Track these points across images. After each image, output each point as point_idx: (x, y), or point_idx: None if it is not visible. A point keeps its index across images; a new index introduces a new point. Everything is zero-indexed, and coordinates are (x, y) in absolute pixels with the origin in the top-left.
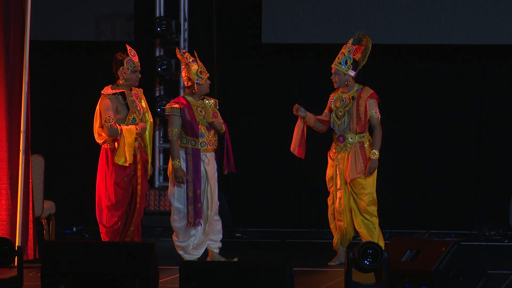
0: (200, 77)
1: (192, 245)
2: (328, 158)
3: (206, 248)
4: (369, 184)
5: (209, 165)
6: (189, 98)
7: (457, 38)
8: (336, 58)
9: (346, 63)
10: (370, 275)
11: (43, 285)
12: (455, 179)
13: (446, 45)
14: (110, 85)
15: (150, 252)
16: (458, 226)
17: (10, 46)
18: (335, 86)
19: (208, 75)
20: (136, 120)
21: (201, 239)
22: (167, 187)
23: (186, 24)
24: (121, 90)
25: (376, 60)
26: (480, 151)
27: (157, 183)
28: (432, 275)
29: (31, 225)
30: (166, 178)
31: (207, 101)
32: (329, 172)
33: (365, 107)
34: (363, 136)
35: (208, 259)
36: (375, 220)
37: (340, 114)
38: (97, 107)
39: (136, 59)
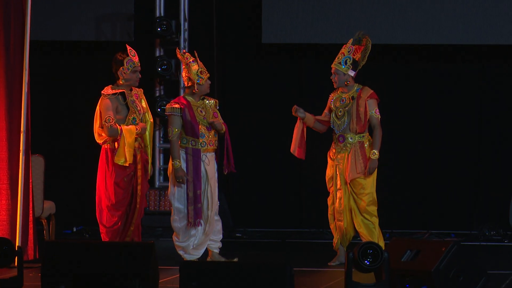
0: (200, 77)
1: (192, 245)
2: (328, 158)
3: (206, 248)
4: (369, 184)
5: (209, 165)
6: (189, 98)
7: (457, 38)
8: (336, 58)
9: (345, 63)
10: (370, 275)
11: (43, 285)
12: (455, 179)
13: (446, 45)
14: (110, 85)
15: (150, 252)
16: (458, 226)
17: (10, 46)
18: (334, 86)
19: (208, 75)
20: (136, 120)
21: (201, 239)
22: (167, 187)
23: (186, 24)
24: (121, 90)
25: (376, 60)
26: (480, 151)
27: (157, 183)
28: (432, 275)
29: (31, 225)
30: (166, 178)
31: (207, 101)
32: (329, 172)
33: (365, 107)
34: (363, 136)
35: (208, 259)
36: (375, 220)
37: (339, 114)
38: (97, 107)
39: (136, 59)
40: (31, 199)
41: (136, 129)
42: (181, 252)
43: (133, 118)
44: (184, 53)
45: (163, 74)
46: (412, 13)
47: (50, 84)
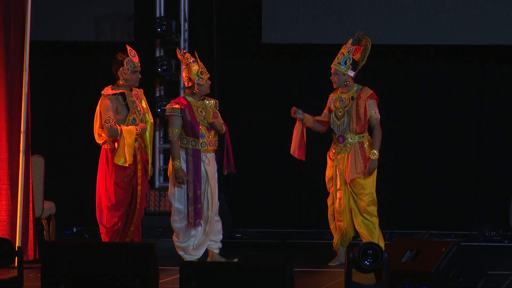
0: (200, 77)
1: (192, 246)
2: (328, 159)
3: (206, 248)
4: (369, 184)
5: (209, 165)
6: (190, 99)
7: (457, 38)
8: (336, 58)
9: (345, 63)
10: (370, 275)
11: (43, 286)
12: (455, 179)
13: (446, 46)
14: (110, 86)
15: (150, 253)
16: (458, 227)
17: (10, 46)
18: (334, 86)
19: (208, 75)
20: (136, 121)
21: (201, 239)
22: (167, 188)
23: (186, 24)
24: (121, 91)
25: (376, 60)
26: (480, 151)
27: (157, 183)
28: (432, 276)
29: (31, 225)
30: (166, 179)
31: (207, 102)
32: (328, 172)
33: (365, 108)
34: (362, 136)
35: (208, 259)
36: (375, 220)
37: (339, 114)
38: (97, 107)
39: (136, 59)
40: (31, 199)
41: (136, 130)
42: (181, 253)
43: (133, 119)
44: (185, 53)
45: (163, 74)
46: (413, 13)
47: (50, 84)
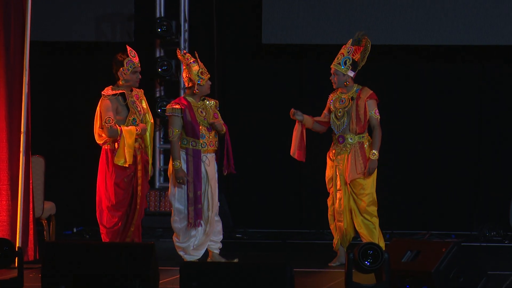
0: (201, 78)
1: (192, 246)
2: (328, 159)
3: (207, 249)
4: (369, 184)
5: (209, 166)
6: (190, 99)
7: (457, 38)
8: (336, 59)
9: (345, 63)
10: (370, 276)
11: (43, 286)
12: (455, 180)
13: (446, 46)
14: (110, 86)
15: (150, 253)
16: (458, 227)
17: (11, 46)
18: (334, 87)
19: (209, 76)
20: (136, 121)
21: (201, 240)
22: (167, 188)
23: (186, 24)
24: (121, 91)
25: (376, 60)
26: (480, 151)
27: (157, 184)
28: (432, 276)
29: (31, 226)
30: (166, 179)
31: (207, 102)
32: (328, 173)
33: (365, 108)
34: (362, 137)
35: (209, 260)
36: (375, 221)
37: (339, 115)
38: (97, 108)
39: (136, 60)
40: (31, 199)
41: (136, 130)
42: (181, 253)
43: (133, 119)
44: (185, 53)
45: (163, 74)
46: (412, 13)
47: (50, 84)
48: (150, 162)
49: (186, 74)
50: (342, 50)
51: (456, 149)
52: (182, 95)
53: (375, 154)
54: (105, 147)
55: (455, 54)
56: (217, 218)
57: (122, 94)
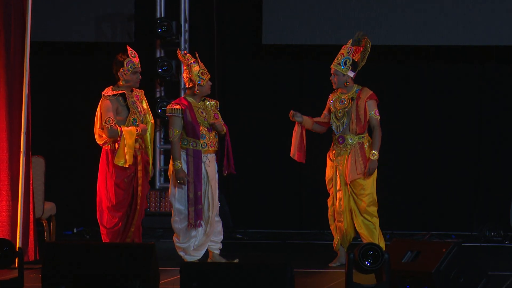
0: (201, 78)
1: (192, 246)
2: (328, 159)
3: (207, 249)
4: (369, 184)
5: (210, 166)
6: (190, 99)
7: (457, 39)
8: (335, 59)
9: (345, 64)
10: (370, 276)
11: (43, 286)
12: (455, 180)
13: (446, 46)
14: (110, 86)
15: (150, 253)
16: (458, 227)
17: (11, 46)
18: (334, 87)
19: (209, 76)
20: (136, 121)
21: (201, 240)
22: (167, 188)
23: (186, 25)
24: (122, 92)
25: (376, 61)
26: (480, 151)
27: (157, 184)
28: (432, 276)
29: (31, 226)
30: (167, 179)
31: (208, 102)
32: (328, 173)
33: (365, 108)
34: (362, 137)
35: (209, 260)
36: (376, 221)
37: (339, 115)
38: (98, 108)
39: (136, 60)
40: (31, 200)
41: (137, 131)
42: (181, 253)
43: (134, 119)
44: (185, 54)
45: (164, 75)
46: (413, 14)
47: (50, 84)
48: (151, 162)
49: (187, 75)
50: (342, 51)
51: (456, 149)
52: (182, 95)
53: (375, 154)
54: (105, 147)
55: (455, 54)
56: (217, 218)
57: (123, 95)
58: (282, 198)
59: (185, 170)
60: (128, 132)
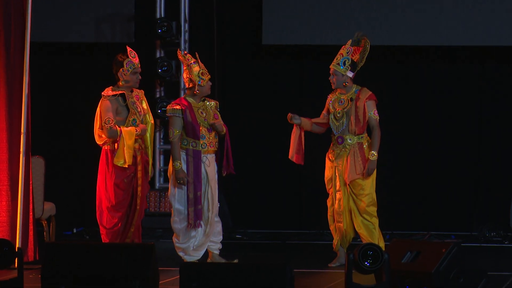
0: (201, 78)
1: (192, 247)
2: (327, 160)
3: (206, 249)
4: (368, 185)
5: (209, 166)
6: (190, 100)
7: (457, 39)
8: (335, 59)
9: (344, 64)
10: (370, 276)
11: (43, 287)
12: (455, 180)
13: (446, 47)
14: (110, 87)
15: (150, 254)
16: (458, 228)
17: (11, 46)
18: (333, 87)
19: (209, 76)
20: (136, 122)
21: (201, 240)
22: (167, 189)
23: (186, 25)
24: (121, 92)
25: (376, 61)
26: (480, 152)
27: (157, 184)
28: (432, 277)
29: (31, 226)
30: (166, 180)
31: (208, 103)
32: (327, 173)
33: (364, 109)
34: (361, 137)
35: (208, 260)
36: (375, 221)
37: (338, 115)
38: (97, 108)
39: (136, 60)
40: (31, 200)
41: (136, 131)
42: (181, 254)
43: (133, 120)
44: (185, 54)
45: (164, 75)
46: (412, 14)
47: (50, 84)
48: (150, 162)
49: (187, 75)
50: (341, 51)
51: (456, 149)
52: (182, 95)
53: (374, 154)
54: (105, 147)
55: (455, 54)
56: (217, 218)
57: (122, 95)
58: (282, 198)
59: (185, 171)
60: (128, 133)
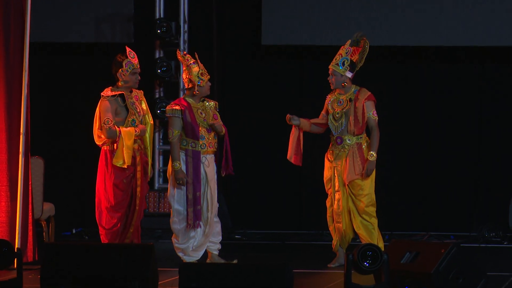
0: (201, 79)
1: (191, 247)
2: (326, 160)
3: (206, 250)
4: (368, 185)
5: (209, 167)
6: (190, 100)
7: (457, 39)
8: (334, 59)
9: (343, 64)
10: (369, 277)
11: (42, 287)
12: (454, 180)
13: (446, 47)
14: (110, 87)
15: (149, 254)
16: (457, 228)
17: (10, 46)
18: (331, 87)
19: (209, 77)
20: (135, 122)
21: (200, 241)
22: (166, 189)
23: (186, 25)
24: (121, 92)
25: (376, 61)
26: (480, 152)
27: (156, 185)
28: (431, 277)
29: (30, 227)
30: (165, 180)
31: (207, 103)
32: (326, 174)
33: (363, 109)
34: (360, 138)
35: (208, 261)
36: (374, 221)
37: (337, 116)
38: (97, 108)
39: (135, 61)
40: (30, 201)
41: (135, 131)
42: (180, 254)
43: (133, 120)
44: (185, 54)
45: (163, 75)
46: (412, 14)
47: (50, 84)
48: (150, 163)
49: (186, 75)
50: (340, 51)
51: (456, 149)
52: (181, 96)
53: (373, 155)
54: (104, 148)
55: (455, 54)
56: (216, 219)
57: (121, 95)
58: (282, 199)
59: (184, 171)
60: (127, 133)
